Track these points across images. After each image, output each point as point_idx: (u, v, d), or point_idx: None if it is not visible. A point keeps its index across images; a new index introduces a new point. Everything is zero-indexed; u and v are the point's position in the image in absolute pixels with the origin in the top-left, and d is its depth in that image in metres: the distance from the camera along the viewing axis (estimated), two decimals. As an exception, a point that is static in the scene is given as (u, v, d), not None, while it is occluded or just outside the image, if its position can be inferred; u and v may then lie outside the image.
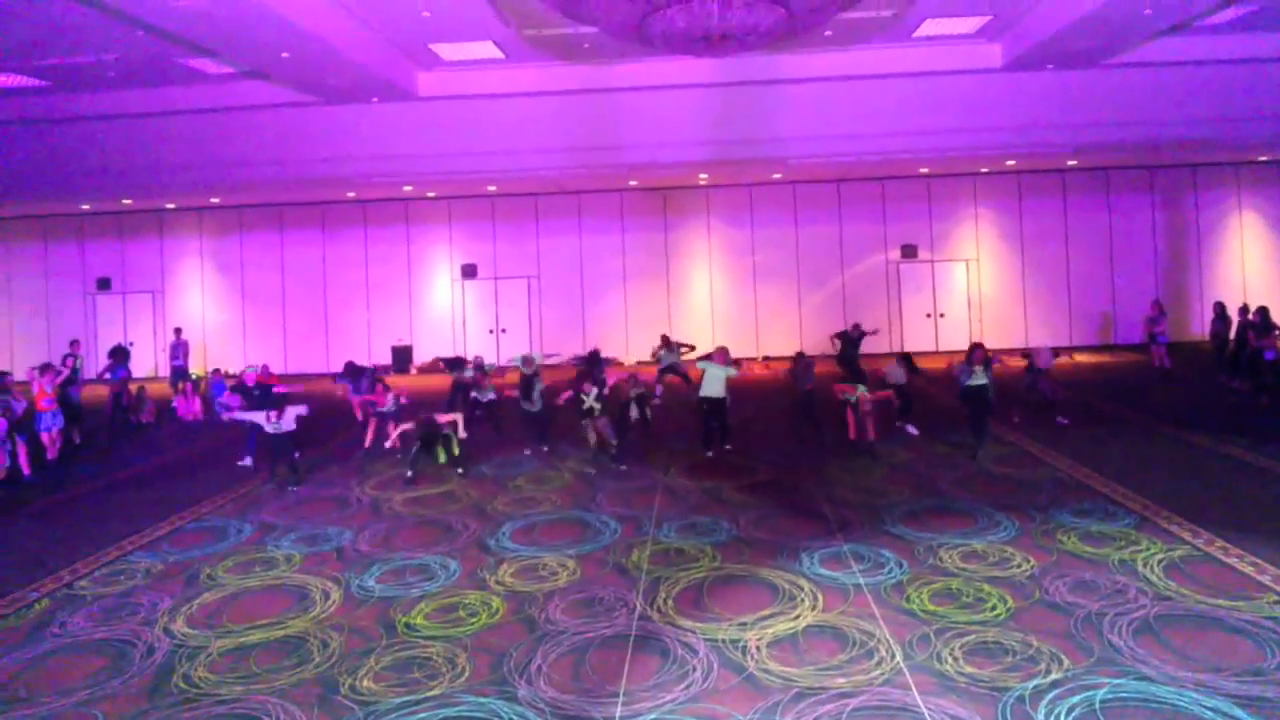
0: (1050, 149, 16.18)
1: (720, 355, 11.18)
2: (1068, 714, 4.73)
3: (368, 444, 11.61)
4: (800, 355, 12.52)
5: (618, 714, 4.90)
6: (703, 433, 11.18)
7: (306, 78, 13.39)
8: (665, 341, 15.27)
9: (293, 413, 10.09)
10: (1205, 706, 4.74)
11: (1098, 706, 4.80)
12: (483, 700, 5.10)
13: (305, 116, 15.47)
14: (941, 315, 20.91)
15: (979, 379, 10.58)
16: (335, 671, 5.53)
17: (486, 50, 13.72)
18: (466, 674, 5.44)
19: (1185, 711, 4.70)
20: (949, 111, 15.13)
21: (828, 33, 13.14)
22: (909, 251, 20.84)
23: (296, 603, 6.70)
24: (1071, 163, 19.23)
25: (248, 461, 11.18)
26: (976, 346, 10.87)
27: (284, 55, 12.06)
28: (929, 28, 13.42)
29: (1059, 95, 14.98)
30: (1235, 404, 13.31)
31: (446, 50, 13.72)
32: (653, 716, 4.86)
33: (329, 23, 11.49)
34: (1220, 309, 16.05)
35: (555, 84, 14.78)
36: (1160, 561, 6.88)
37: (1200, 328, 19.42)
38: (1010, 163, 18.88)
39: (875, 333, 16.54)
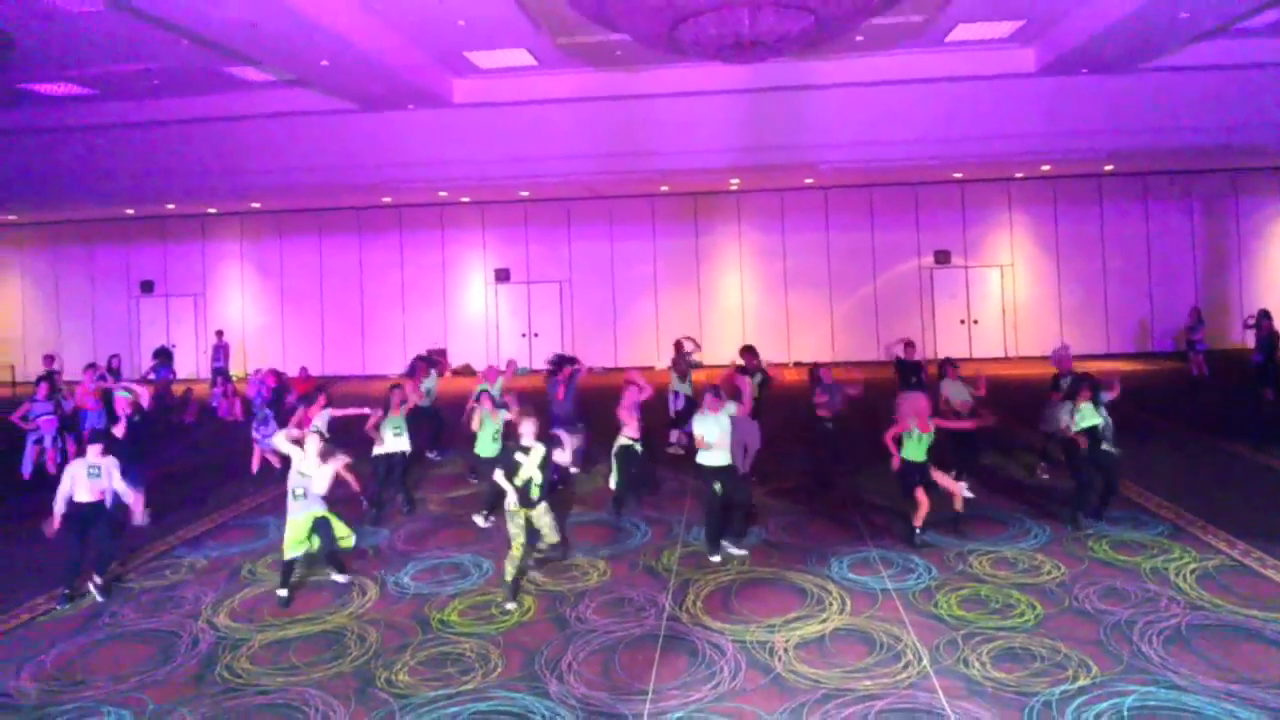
0: (1085, 154, 16.03)
1: (712, 400, 7.58)
2: (1095, 720, 4.75)
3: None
4: (815, 370, 10.00)
5: (646, 711, 5.00)
6: (706, 526, 7.64)
7: (345, 85, 13.70)
8: (679, 349, 12.40)
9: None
10: (1238, 718, 4.73)
11: (1125, 714, 4.81)
12: (514, 695, 5.22)
13: (343, 123, 15.79)
14: (975, 322, 20.76)
15: (1089, 417, 8.05)
16: (372, 665, 5.69)
17: (521, 58, 13.92)
18: (499, 670, 5.57)
19: (1215, 721, 4.70)
20: (982, 117, 15.06)
21: (859, 38, 13.16)
22: (942, 257, 20.73)
23: (334, 599, 6.88)
24: (1108, 168, 19.02)
25: None
26: (1084, 378, 8.35)
27: (323, 63, 12.35)
28: (961, 32, 13.38)
29: (1094, 100, 14.85)
30: (1276, 414, 13.09)
31: (481, 58, 13.94)
32: (680, 714, 4.95)
33: (367, 31, 11.75)
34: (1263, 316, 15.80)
35: (588, 90, 14.95)
36: (1193, 571, 6.84)
37: (1239, 336, 19.09)
38: (1045, 168, 18.72)
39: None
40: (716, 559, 7.42)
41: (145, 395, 9.59)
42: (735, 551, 7.55)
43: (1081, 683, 5.16)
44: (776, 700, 5.08)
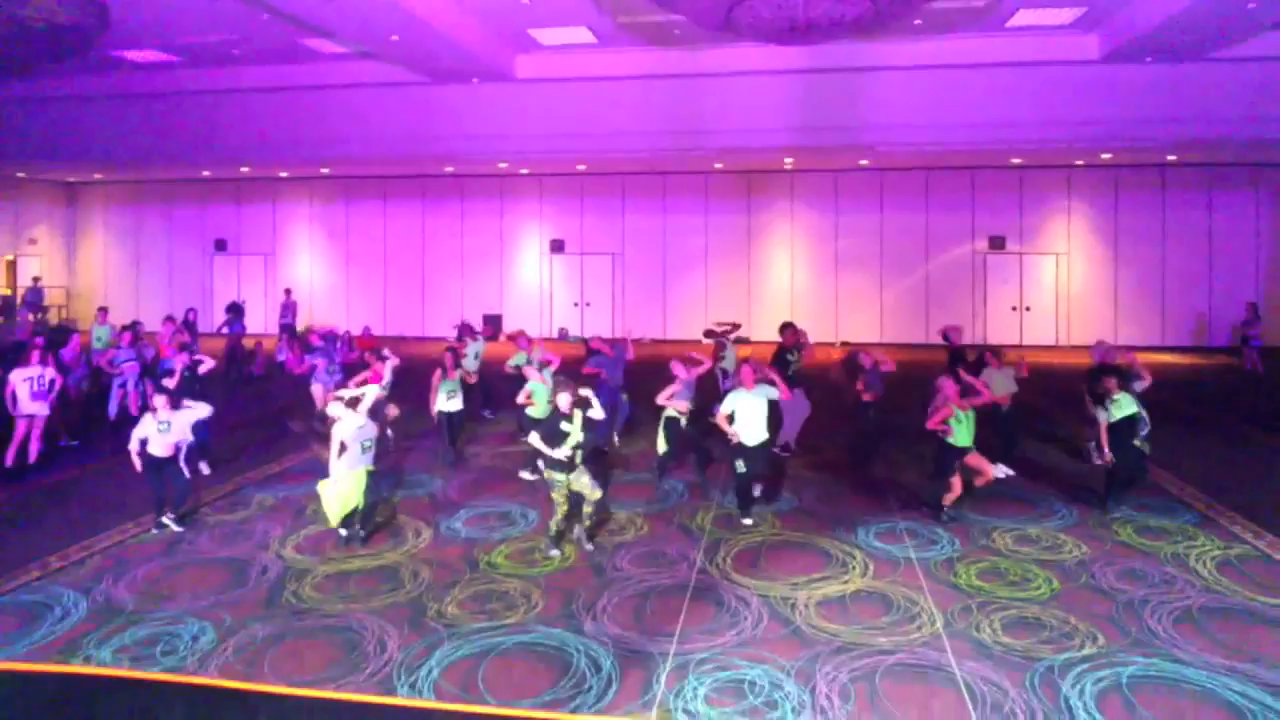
0: (1148, 144, 15.81)
1: (748, 371, 7.80)
2: (1094, 685, 5.03)
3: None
4: (852, 356, 9.83)
5: (672, 651, 5.43)
6: (737, 494, 7.90)
7: (413, 59, 14.22)
8: (710, 335, 12.54)
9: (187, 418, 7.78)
10: (1234, 691, 4.97)
11: (1124, 682, 5.08)
12: (553, 631, 5.70)
13: (410, 95, 16.33)
14: (1028, 309, 20.63)
15: (1124, 408, 8.00)
16: (424, 598, 6.23)
17: (582, 35, 14.26)
18: (540, 608, 6.06)
19: (1215, 696, 4.93)
20: (1042, 103, 14.95)
21: (917, 21, 13.20)
22: (996, 243, 20.60)
23: (390, 539, 7.44)
24: (1171, 158, 18.67)
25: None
26: (1107, 371, 8.32)
27: (394, 38, 12.86)
28: (1022, 17, 13.33)
29: (1158, 88, 14.62)
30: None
31: (544, 35, 14.32)
32: (704, 655, 5.37)
33: (436, 8, 12.21)
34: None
35: (646, 68, 15.23)
36: (1215, 558, 7.00)
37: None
38: (1106, 156, 18.47)
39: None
40: (748, 521, 7.74)
41: (206, 358, 10.18)
42: (743, 520, 7.75)
43: (1086, 652, 5.43)
44: (794, 649, 5.47)
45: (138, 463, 7.47)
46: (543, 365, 9.44)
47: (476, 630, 5.71)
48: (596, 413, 7.36)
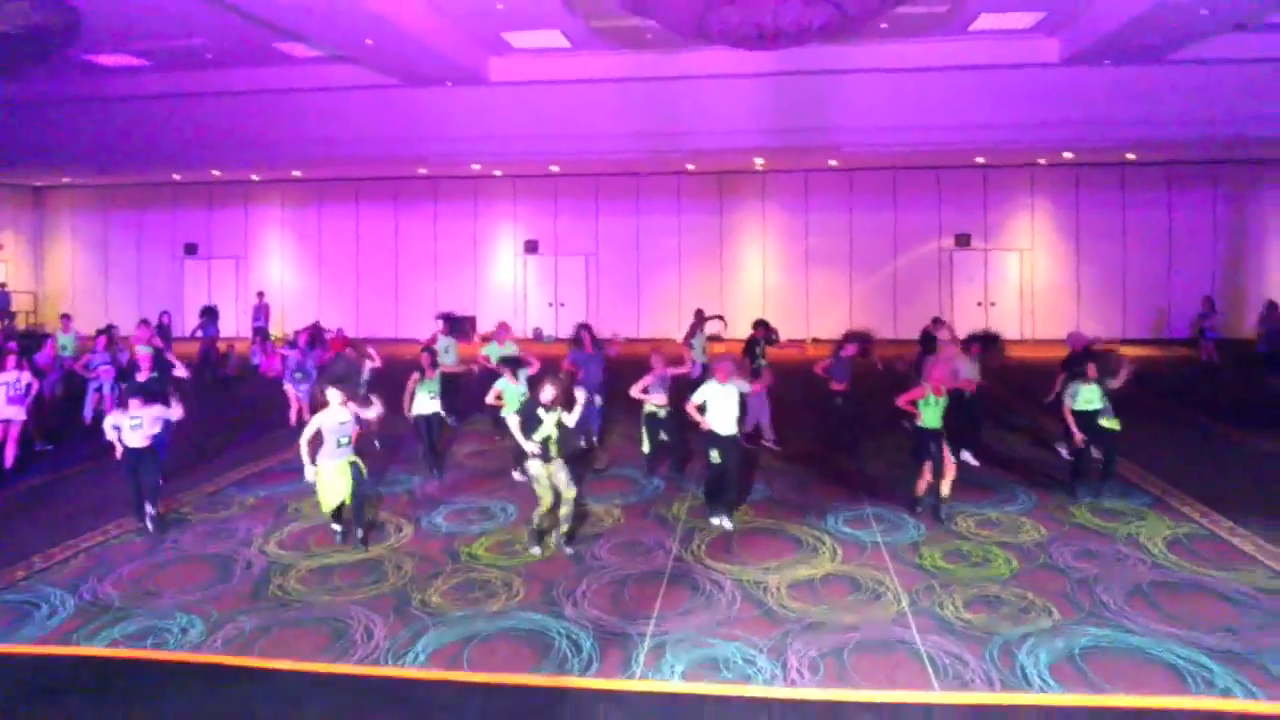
0: (1108, 144, 16.27)
1: (723, 367, 7.77)
2: (1048, 655, 5.32)
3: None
4: (836, 350, 10.04)
5: (650, 632, 5.65)
6: (707, 487, 8.11)
7: (387, 62, 14.33)
8: (699, 317, 12.86)
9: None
10: (1178, 655, 5.29)
11: (1077, 652, 5.37)
12: (534, 616, 5.90)
13: (384, 98, 16.41)
14: (993, 304, 21.10)
15: (1091, 399, 8.36)
16: (408, 588, 6.40)
17: (555, 39, 14.46)
18: (521, 595, 6.25)
19: (1159, 660, 5.25)
20: (1005, 105, 15.35)
21: (884, 25, 13.53)
22: (962, 240, 21.06)
23: (372, 534, 7.58)
24: (1131, 157, 19.21)
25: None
26: (1094, 356, 8.62)
27: (367, 42, 12.98)
28: (984, 22, 13.71)
29: (1118, 90, 15.05)
30: (1276, 401, 13.44)
31: (517, 38, 14.49)
32: (680, 635, 5.60)
33: (410, 11, 12.34)
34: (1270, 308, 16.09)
35: (619, 71, 15.44)
36: (1165, 537, 7.35)
37: (1254, 326, 19.25)
38: (1068, 155, 18.96)
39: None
40: (715, 521, 7.70)
41: (178, 364, 10.22)
42: (724, 524, 7.66)
43: (1043, 625, 5.73)
44: (767, 628, 5.71)
45: (119, 449, 7.51)
46: (518, 365, 9.13)
47: (460, 617, 5.90)
48: (569, 419, 7.22)
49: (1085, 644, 5.46)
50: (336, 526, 7.39)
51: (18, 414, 9.57)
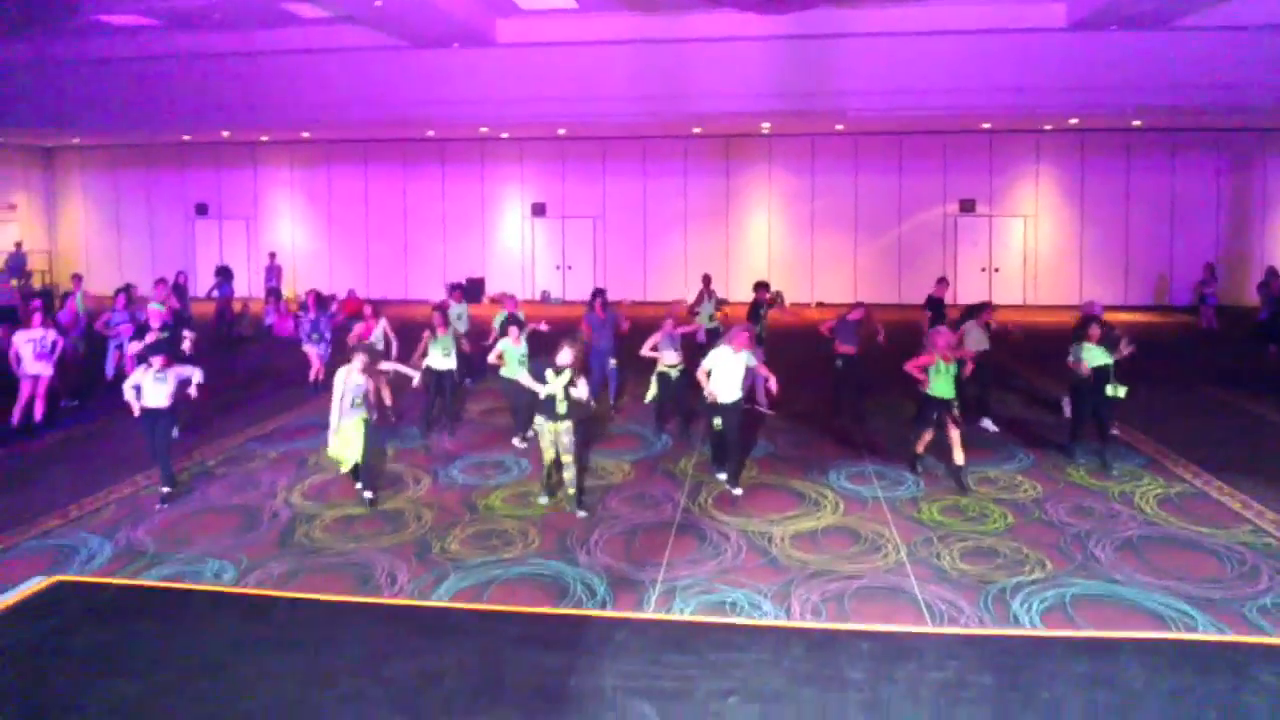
0: (1114, 110, 16.27)
1: (741, 337, 7.86)
2: (1040, 603, 5.61)
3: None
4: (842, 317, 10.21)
5: (660, 578, 5.95)
6: (712, 450, 8.35)
7: (394, 24, 14.35)
8: (706, 283, 12.70)
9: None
10: (1162, 604, 5.58)
11: (1068, 601, 5.66)
12: (549, 563, 6.20)
13: (392, 60, 16.43)
14: (996, 270, 21.22)
15: (1098, 357, 8.43)
16: (428, 537, 6.70)
17: (563, 0, 14.45)
18: (536, 544, 6.55)
19: (1144, 608, 5.54)
20: (1011, 70, 15.33)
21: (893, -11, 13.53)
22: (967, 205, 21.13)
23: (391, 486, 7.89)
24: (1136, 123, 19.20)
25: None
26: (1091, 320, 8.68)
27: (376, 3, 13.01)
28: (993, -15, 13.70)
29: (1124, 56, 15.02)
30: (1276, 368, 13.64)
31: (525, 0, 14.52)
32: (688, 581, 5.90)
33: (421, -28, 12.36)
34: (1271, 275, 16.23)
35: (626, 33, 15.43)
36: (1157, 495, 7.62)
37: (1255, 293, 19.39)
38: (1073, 121, 18.96)
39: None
40: (722, 477, 7.87)
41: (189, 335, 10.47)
42: (732, 490, 7.68)
43: (1036, 576, 6.02)
44: (771, 575, 6.01)
45: (136, 408, 7.48)
46: (516, 323, 9.14)
47: (479, 563, 6.20)
48: (579, 393, 7.07)
49: (1075, 593, 5.75)
50: (368, 495, 7.35)
51: (45, 370, 9.84)
